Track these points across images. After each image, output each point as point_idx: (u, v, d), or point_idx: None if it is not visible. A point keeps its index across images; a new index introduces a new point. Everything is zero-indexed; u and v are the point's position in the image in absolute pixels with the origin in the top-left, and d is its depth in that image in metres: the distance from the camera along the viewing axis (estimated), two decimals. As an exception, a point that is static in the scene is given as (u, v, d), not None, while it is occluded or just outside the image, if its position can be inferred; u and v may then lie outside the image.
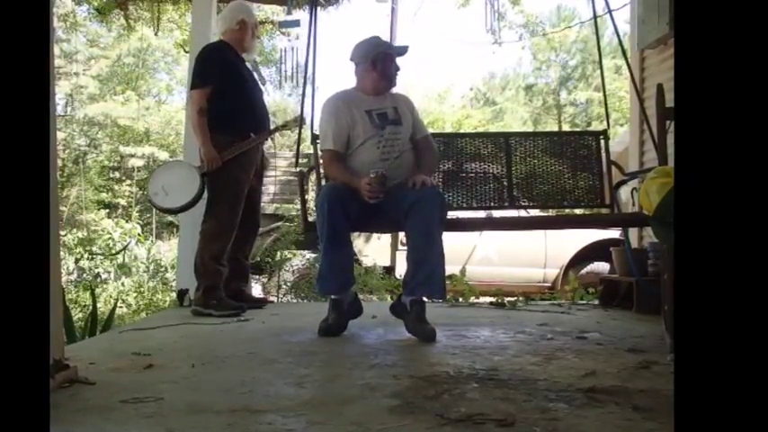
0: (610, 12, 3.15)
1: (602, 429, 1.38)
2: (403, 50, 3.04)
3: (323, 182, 2.94)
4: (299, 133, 3.11)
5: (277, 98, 19.12)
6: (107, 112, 13.89)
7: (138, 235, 8.56)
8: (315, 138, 3.05)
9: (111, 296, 6.53)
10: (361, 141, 2.78)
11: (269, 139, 3.99)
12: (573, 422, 1.42)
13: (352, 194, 2.60)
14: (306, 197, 3.00)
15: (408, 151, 2.85)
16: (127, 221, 9.30)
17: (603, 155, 3.32)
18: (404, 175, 2.75)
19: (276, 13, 7.07)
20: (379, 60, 2.86)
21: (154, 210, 12.14)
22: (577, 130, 14.47)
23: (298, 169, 3.05)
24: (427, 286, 2.58)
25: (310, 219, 2.87)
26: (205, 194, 3.44)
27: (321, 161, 2.91)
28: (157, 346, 2.37)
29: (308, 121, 3.11)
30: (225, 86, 3.41)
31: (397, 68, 2.93)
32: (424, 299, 2.64)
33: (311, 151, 3.22)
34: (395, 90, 2.98)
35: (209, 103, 3.38)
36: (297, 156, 3.13)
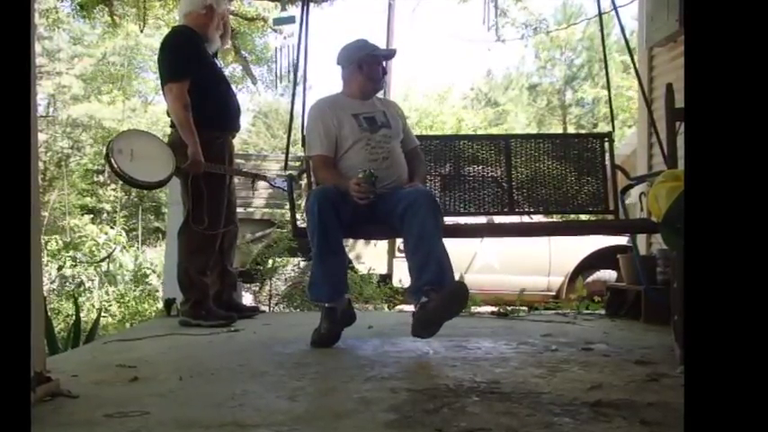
0: (615, 9, 3.11)
1: (610, 444, 1.36)
2: (390, 54, 3.02)
3: (313, 186, 2.89)
4: (289, 135, 3.06)
5: (269, 98, 19.07)
6: (91, 113, 13.75)
7: (123, 243, 8.42)
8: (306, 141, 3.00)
9: (95, 305, 6.45)
10: (348, 145, 2.76)
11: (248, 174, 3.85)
12: (579, 437, 1.40)
13: (343, 198, 2.56)
14: (295, 202, 2.93)
15: (398, 152, 2.83)
16: (111, 227, 9.16)
17: (608, 158, 3.28)
18: (394, 175, 2.73)
19: (268, 9, 6.99)
20: (365, 63, 2.84)
21: (140, 215, 12.02)
22: (581, 132, 14.51)
23: (287, 173, 2.99)
24: (438, 277, 2.36)
25: (301, 225, 2.81)
26: (178, 198, 3.31)
27: (310, 166, 2.88)
28: (143, 358, 2.33)
29: (298, 121, 3.05)
30: (201, 78, 3.19)
31: (384, 72, 2.92)
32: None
33: (303, 154, 3.17)
34: (382, 95, 2.95)
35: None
36: (286, 159, 3.06)
